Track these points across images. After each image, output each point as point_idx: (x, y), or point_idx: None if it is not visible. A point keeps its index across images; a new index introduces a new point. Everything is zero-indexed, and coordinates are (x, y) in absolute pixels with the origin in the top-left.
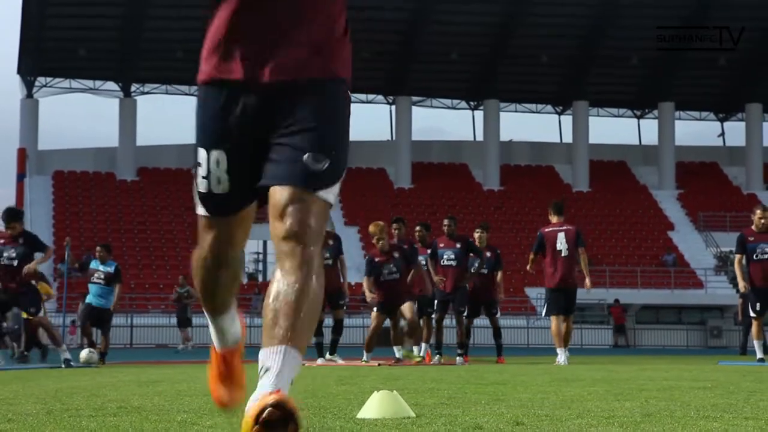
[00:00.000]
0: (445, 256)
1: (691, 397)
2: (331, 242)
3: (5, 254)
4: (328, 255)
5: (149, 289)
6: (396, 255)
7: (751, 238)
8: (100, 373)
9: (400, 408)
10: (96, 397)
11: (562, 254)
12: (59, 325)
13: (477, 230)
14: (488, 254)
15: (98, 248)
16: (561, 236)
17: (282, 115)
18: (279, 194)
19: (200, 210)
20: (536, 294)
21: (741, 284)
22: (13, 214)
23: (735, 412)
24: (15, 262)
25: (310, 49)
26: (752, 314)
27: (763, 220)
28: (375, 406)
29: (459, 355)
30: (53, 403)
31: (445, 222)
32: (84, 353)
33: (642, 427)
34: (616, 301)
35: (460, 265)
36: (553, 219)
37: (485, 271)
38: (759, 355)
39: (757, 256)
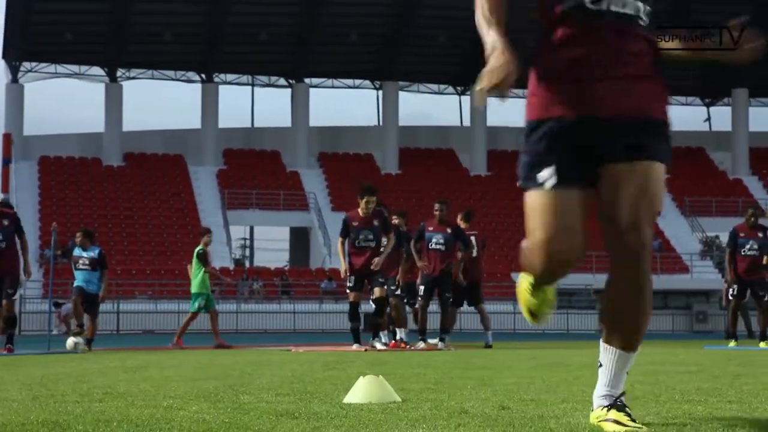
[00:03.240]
0: (433, 240)
1: (676, 381)
2: (376, 222)
3: None
4: (372, 236)
5: (136, 275)
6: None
7: (742, 234)
8: (86, 359)
9: (386, 393)
10: (82, 383)
11: (472, 255)
12: (44, 312)
13: (436, 205)
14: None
15: (78, 234)
16: (471, 240)
17: None
18: None
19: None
20: None
21: (729, 276)
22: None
23: (719, 395)
24: (3, 244)
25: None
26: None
27: (753, 219)
28: (361, 391)
29: (441, 340)
30: (39, 389)
31: (437, 206)
32: (69, 341)
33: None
34: None
35: (449, 250)
36: (462, 225)
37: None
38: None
39: (744, 251)
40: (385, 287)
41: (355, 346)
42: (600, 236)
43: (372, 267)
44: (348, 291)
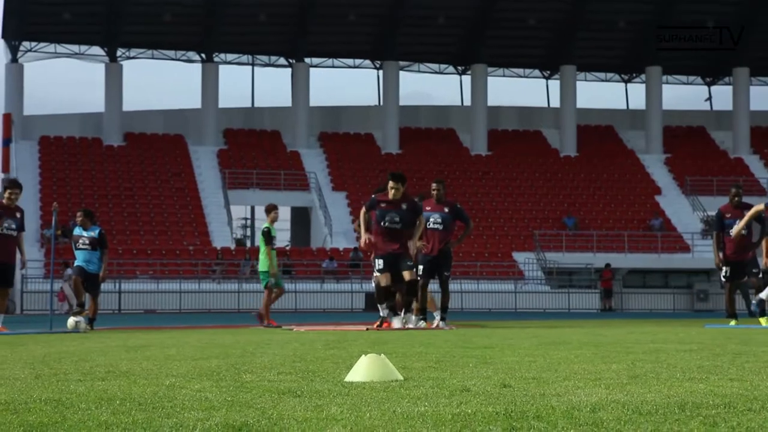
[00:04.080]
0: (431, 219)
1: (678, 359)
2: (404, 206)
3: (5, 224)
4: (398, 219)
5: (137, 255)
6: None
7: (728, 215)
8: (88, 339)
9: (388, 371)
10: (84, 362)
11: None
12: (47, 291)
13: (433, 184)
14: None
15: (78, 214)
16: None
17: None
18: None
19: None
20: (524, 259)
21: (716, 259)
22: (19, 183)
23: (720, 373)
24: (14, 233)
25: None
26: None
27: (736, 198)
28: (363, 370)
29: (443, 319)
30: (41, 367)
31: (434, 186)
32: (70, 321)
33: (628, 388)
34: (608, 265)
35: (447, 229)
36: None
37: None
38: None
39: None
40: (414, 270)
41: (395, 321)
42: (602, 216)
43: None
44: (377, 273)
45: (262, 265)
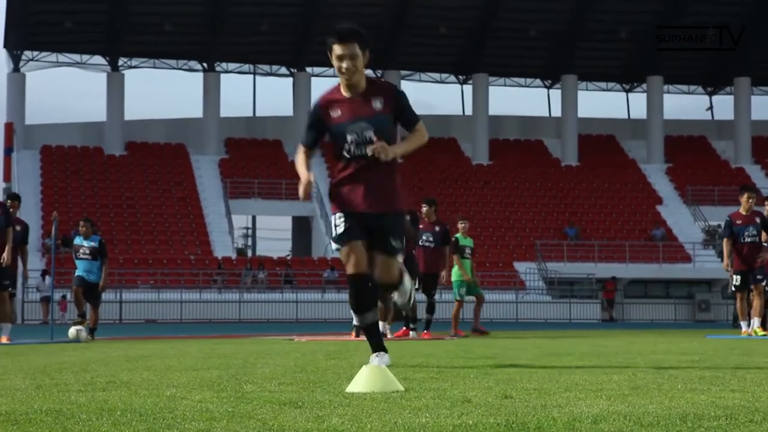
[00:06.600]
0: (423, 237)
1: (679, 370)
2: (437, 228)
3: None
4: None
5: (138, 264)
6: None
7: (739, 222)
8: (89, 349)
9: (388, 382)
10: (85, 373)
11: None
12: (49, 301)
13: (423, 205)
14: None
15: (81, 223)
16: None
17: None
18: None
19: None
20: (525, 269)
21: (726, 262)
22: (17, 196)
23: (722, 384)
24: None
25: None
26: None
27: (751, 200)
28: (364, 381)
29: (413, 329)
30: (42, 378)
31: (424, 208)
32: (72, 330)
33: (629, 399)
34: (613, 278)
35: (437, 248)
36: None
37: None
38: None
39: (743, 239)
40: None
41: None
42: (603, 226)
43: None
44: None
45: (454, 275)
